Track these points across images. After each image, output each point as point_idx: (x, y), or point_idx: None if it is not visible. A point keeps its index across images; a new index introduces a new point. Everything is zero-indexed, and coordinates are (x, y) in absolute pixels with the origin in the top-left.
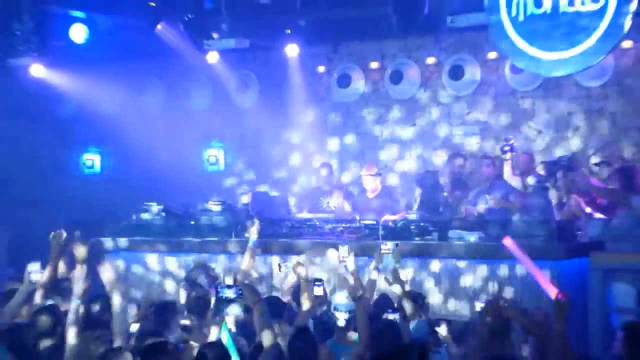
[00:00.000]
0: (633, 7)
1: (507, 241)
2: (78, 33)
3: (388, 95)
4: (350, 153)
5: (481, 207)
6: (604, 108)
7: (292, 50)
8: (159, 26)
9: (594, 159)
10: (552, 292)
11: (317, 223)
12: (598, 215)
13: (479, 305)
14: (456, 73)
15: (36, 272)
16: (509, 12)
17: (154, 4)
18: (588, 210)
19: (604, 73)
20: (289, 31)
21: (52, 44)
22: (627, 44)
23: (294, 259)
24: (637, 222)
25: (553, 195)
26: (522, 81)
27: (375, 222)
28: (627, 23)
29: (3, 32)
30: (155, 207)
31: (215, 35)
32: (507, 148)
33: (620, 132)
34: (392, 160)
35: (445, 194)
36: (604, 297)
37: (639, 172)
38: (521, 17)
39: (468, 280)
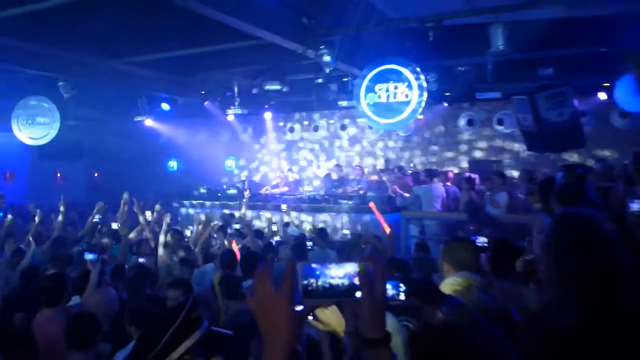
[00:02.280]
0: (423, 100)
1: (371, 204)
2: (165, 106)
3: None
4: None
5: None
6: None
7: (268, 115)
8: (206, 103)
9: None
10: (387, 229)
11: (277, 195)
12: (405, 194)
13: (348, 233)
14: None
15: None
16: (365, 101)
17: (204, 92)
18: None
19: (410, 130)
20: (267, 106)
21: (155, 110)
22: (420, 117)
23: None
24: (413, 200)
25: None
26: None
27: (295, 195)
28: (420, 108)
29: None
30: (203, 188)
31: (232, 108)
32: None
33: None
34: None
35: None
36: (407, 231)
37: (420, 174)
38: (371, 103)
39: (345, 223)
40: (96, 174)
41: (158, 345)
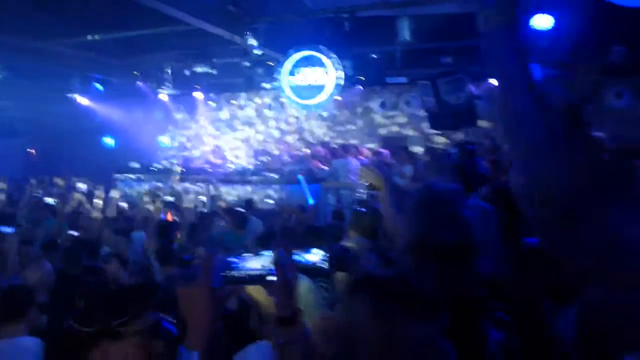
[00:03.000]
0: (339, 84)
1: (300, 177)
2: (99, 86)
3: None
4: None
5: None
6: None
7: (199, 95)
8: (139, 83)
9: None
10: (309, 198)
11: (209, 170)
12: (324, 167)
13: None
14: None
15: None
16: (288, 84)
17: (137, 73)
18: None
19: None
20: (197, 87)
21: (89, 90)
22: (338, 97)
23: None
24: (331, 172)
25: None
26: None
27: (226, 169)
28: (336, 90)
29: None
30: (135, 163)
31: (165, 88)
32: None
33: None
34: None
35: None
36: (325, 200)
37: (337, 149)
38: (293, 85)
39: (272, 194)
40: (31, 150)
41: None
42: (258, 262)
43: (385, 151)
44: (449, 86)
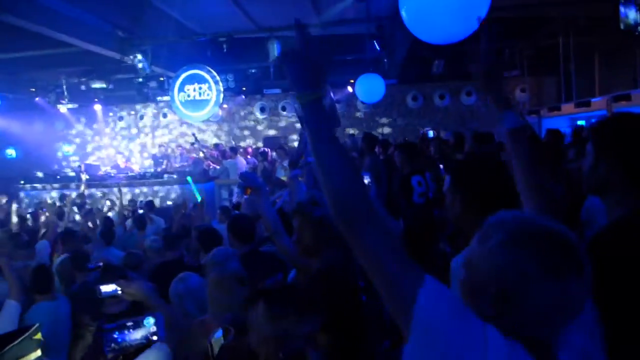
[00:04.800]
0: (221, 96)
1: (188, 178)
2: None
3: None
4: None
5: None
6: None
7: (98, 107)
8: (37, 99)
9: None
10: (198, 197)
11: (112, 175)
12: (217, 167)
13: (172, 203)
14: None
15: None
16: (178, 99)
17: (34, 89)
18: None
19: (218, 117)
20: (96, 100)
21: None
22: (225, 106)
23: None
24: (222, 171)
25: None
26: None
27: (127, 173)
28: (220, 102)
29: None
30: (39, 173)
31: (63, 103)
32: None
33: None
34: None
35: None
36: (219, 195)
37: (226, 151)
38: (183, 100)
39: (170, 194)
40: None
41: None
42: (139, 333)
43: (267, 149)
44: None
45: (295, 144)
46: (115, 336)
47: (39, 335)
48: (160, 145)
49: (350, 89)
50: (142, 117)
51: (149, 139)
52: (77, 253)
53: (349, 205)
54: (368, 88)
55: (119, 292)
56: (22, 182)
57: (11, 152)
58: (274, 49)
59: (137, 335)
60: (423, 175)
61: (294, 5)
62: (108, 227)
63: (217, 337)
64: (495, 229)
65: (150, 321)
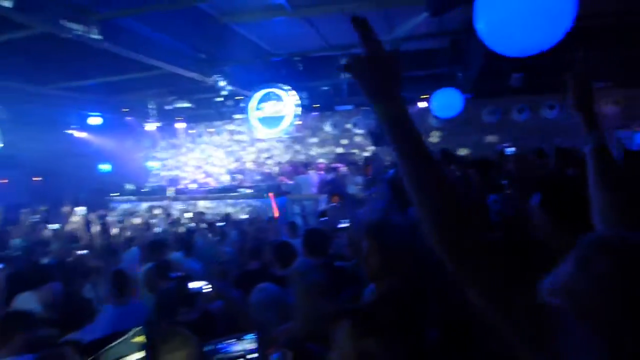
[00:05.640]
0: (296, 113)
1: (270, 194)
2: (94, 120)
3: None
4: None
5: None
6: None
7: (181, 125)
8: (128, 118)
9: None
10: (275, 212)
11: (193, 189)
12: (289, 182)
13: (247, 216)
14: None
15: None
16: (254, 116)
17: (126, 110)
18: (285, 180)
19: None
20: (179, 119)
21: (84, 124)
22: (298, 122)
23: None
24: (294, 186)
25: None
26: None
27: (207, 187)
28: (294, 119)
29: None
30: (129, 185)
31: (150, 121)
32: None
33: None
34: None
35: None
36: (291, 210)
37: (299, 166)
38: (259, 118)
39: (245, 207)
40: (35, 179)
41: None
42: (240, 346)
43: (339, 165)
44: None
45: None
46: (219, 347)
47: (139, 338)
48: (236, 161)
49: (421, 104)
50: (220, 134)
51: (227, 155)
52: (161, 262)
53: (448, 230)
54: (444, 102)
55: (204, 289)
56: (114, 194)
57: (106, 167)
58: None
59: (237, 348)
60: (500, 194)
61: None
62: (189, 238)
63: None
64: (598, 252)
65: (249, 338)
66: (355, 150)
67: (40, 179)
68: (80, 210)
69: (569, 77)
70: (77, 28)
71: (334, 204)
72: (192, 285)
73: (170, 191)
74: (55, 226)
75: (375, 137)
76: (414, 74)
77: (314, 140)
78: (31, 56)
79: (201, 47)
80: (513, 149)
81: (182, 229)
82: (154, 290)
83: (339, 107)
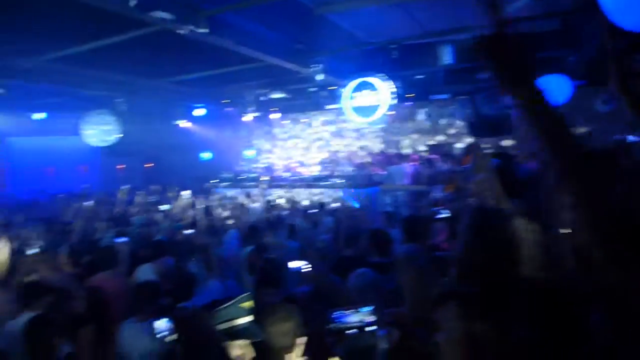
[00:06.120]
0: (390, 102)
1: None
2: (199, 112)
3: None
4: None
5: None
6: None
7: (275, 116)
8: (227, 109)
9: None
10: (363, 200)
11: (287, 177)
12: (382, 172)
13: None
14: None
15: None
16: (348, 105)
17: (226, 101)
18: (377, 170)
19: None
20: (273, 109)
21: (189, 115)
22: (390, 113)
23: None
24: (387, 177)
25: None
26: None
27: (299, 176)
28: (388, 108)
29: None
30: (227, 173)
31: (247, 112)
32: None
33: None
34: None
35: None
36: (382, 200)
37: (392, 156)
38: (352, 107)
39: (337, 196)
40: (147, 165)
41: None
42: (357, 317)
43: (434, 156)
44: (486, 99)
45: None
46: (336, 316)
47: (248, 304)
48: (328, 151)
49: None
50: (313, 125)
51: (319, 144)
52: (261, 245)
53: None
54: (551, 90)
55: (303, 269)
56: (213, 180)
57: (207, 155)
58: (446, 53)
59: (353, 319)
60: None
61: (466, 7)
62: (290, 222)
63: (381, 335)
64: None
65: (367, 310)
66: (451, 141)
67: (151, 165)
68: (186, 193)
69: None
70: (189, 25)
71: (448, 192)
72: (292, 265)
73: (265, 179)
74: (166, 207)
75: (474, 127)
76: None
77: (407, 130)
78: (147, 52)
79: (298, 38)
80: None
81: (277, 215)
82: (253, 271)
83: (434, 96)
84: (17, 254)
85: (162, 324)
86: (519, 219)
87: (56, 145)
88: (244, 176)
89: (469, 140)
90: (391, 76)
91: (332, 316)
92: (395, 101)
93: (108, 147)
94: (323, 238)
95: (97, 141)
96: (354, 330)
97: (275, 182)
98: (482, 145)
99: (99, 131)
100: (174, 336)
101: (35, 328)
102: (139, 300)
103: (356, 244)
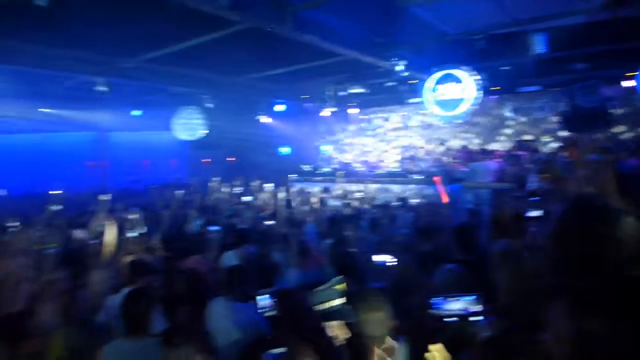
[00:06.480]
0: (476, 96)
1: (436, 179)
2: (280, 107)
3: None
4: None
5: None
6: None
7: (353, 111)
8: (306, 104)
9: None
10: (444, 198)
11: (363, 172)
12: (464, 169)
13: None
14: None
15: None
16: (431, 99)
17: (304, 96)
18: (459, 167)
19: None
20: (351, 104)
21: (269, 111)
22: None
23: None
24: (469, 173)
25: None
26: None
27: (376, 171)
28: (474, 101)
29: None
30: (306, 167)
31: (325, 107)
32: None
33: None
34: None
35: None
36: (464, 198)
37: (475, 153)
38: (435, 100)
39: (414, 192)
40: (229, 159)
41: None
42: (458, 304)
43: (521, 153)
44: (583, 91)
45: (552, 147)
46: (437, 302)
47: (341, 286)
48: (406, 146)
49: (626, 83)
50: (391, 119)
51: (397, 139)
52: (341, 238)
53: None
54: None
55: (388, 263)
56: (291, 175)
57: (286, 150)
58: (538, 42)
59: (455, 306)
60: None
61: None
62: (373, 217)
63: (482, 325)
64: None
65: (470, 298)
66: (540, 137)
67: (233, 159)
68: (268, 186)
69: None
70: (275, 22)
71: (544, 183)
72: (376, 258)
73: (342, 174)
74: (249, 198)
75: (570, 121)
76: (617, 46)
77: (492, 125)
78: (233, 50)
79: (379, 31)
80: None
81: (355, 209)
82: (334, 263)
83: (523, 89)
84: (120, 236)
85: (263, 300)
86: (629, 216)
87: (150, 140)
88: (322, 170)
89: (563, 134)
90: (475, 68)
91: (432, 303)
92: (481, 94)
93: (195, 141)
94: (402, 232)
95: (186, 135)
96: (455, 318)
97: (352, 177)
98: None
99: (188, 126)
100: (274, 312)
101: (132, 301)
102: (228, 282)
103: (433, 239)
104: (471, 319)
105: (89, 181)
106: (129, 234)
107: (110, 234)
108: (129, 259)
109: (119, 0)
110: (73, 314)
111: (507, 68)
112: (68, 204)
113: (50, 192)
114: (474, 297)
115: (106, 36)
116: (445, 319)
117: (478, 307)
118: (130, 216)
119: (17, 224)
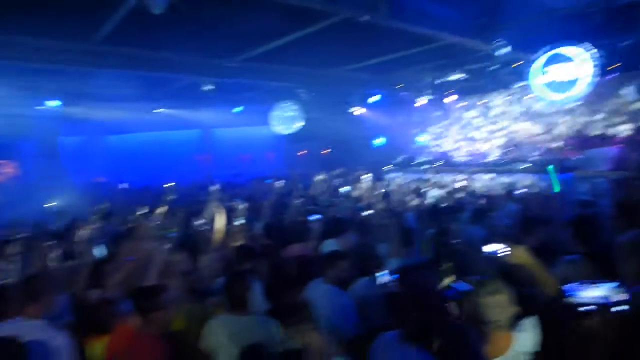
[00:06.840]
0: (591, 75)
1: (549, 168)
2: (375, 98)
3: None
4: None
5: None
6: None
7: (450, 99)
8: (401, 94)
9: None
10: (556, 186)
11: (463, 162)
12: (578, 156)
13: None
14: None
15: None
16: (539, 81)
17: (400, 86)
18: (572, 154)
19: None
20: (447, 92)
21: (363, 102)
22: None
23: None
24: (584, 161)
25: None
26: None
27: (478, 161)
28: (589, 82)
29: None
30: (400, 158)
31: (421, 96)
32: None
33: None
34: None
35: None
36: (576, 188)
37: (591, 139)
38: (545, 83)
39: (522, 182)
40: (325, 151)
41: None
42: (595, 292)
43: None
44: None
45: None
46: (572, 289)
47: (447, 266)
48: (510, 133)
49: None
50: (493, 105)
51: (500, 127)
52: (442, 228)
53: None
54: None
55: (499, 253)
56: (386, 166)
57: (380, 141)
58: None
59: (593, 293)
60: None
61: None
62: (480, 208)
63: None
64: None
65: (612, 286)
66: None
67: (328, 150)
68: (367, 177)
69: None
70: (369, 11)
71: None
72: (487, 248)
73: (439, 164)
74: (347, 189)
75: None
76: None
77: (612, 106)
78: (328, 43)
79: (480, 11)
80: None
81: (457, 199)
82: (436, 254)
83: None
84: (227, 224)
85: (385, 277)
86: None
87: (249, 135)
88: (418, 161)
89: None
90: (590, 45)
91: (566, 290)
92: (598, 73)
93: (291, 134)
94: (506, 223)
95: (283, 129)
96: (593, 306)
97: (451, 167)
98: None
99: (284, 120)
100: (396, 287)
101: (235, 281)
102: (327, 265)
103: (535, 232)
104: (613, 309)
105: (197, 174)
106: (235, 222)
107: (221, 222)
108: (236, 244)
109: (223, 4)
110: (192, 291)
111: (628, 42)
112: (180, 194)
113: (165, 185)
114: (616, 284)
115: (211, 39)
116: (582, 308)
117: (621, 296)
118: (237, 206)
119: (147, 210)
